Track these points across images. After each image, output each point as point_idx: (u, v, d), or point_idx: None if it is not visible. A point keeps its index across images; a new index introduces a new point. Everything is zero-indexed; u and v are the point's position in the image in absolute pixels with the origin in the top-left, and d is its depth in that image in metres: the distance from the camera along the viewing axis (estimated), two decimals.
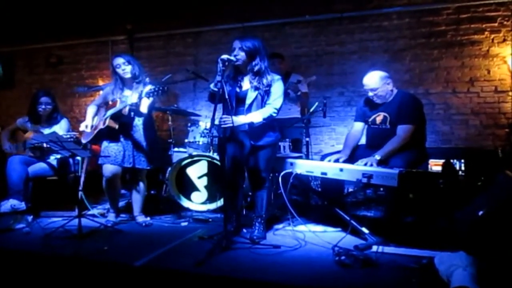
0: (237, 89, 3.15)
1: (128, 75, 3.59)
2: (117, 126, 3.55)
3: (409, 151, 3.20)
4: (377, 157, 3.10)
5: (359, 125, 3.58)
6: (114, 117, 3.54)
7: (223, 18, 5.97)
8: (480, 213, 2.42)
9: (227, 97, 2.97)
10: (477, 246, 2.31)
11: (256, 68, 3.07)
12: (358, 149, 3.54)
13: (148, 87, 3.35)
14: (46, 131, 4.18)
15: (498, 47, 5.02)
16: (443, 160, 4.12)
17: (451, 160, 4.33)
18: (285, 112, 4.36)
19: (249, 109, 3.09)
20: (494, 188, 2.80)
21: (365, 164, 3.05)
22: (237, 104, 3.13)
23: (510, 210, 2.36)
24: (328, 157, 3.41)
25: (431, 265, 2.36)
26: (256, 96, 3.08)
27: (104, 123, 3.54)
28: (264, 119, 3.04)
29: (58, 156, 4.10)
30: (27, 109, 4.33)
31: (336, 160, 3.33)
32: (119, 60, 3.59)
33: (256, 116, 3.04)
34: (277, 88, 3.11)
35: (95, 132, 3.62)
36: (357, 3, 5.48)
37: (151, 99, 3.46)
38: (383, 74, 3.37)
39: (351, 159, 3.37)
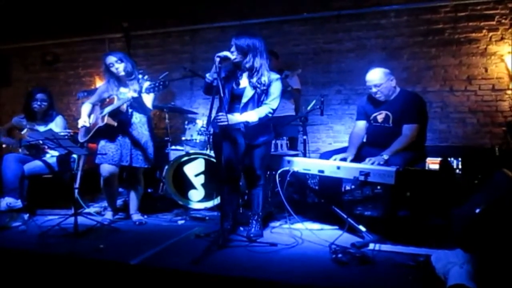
0: (234, 86, 3.13)
1: (122, 73, 3.57)
2: (115, 124, 3.53)
3: (408, 149, 3.18)
4: (385, 156, 3.07)
5: (361, 124, 3.53)
6: (112, 114, 3.51)
7: (220, 15, 5.95)
8: (477, 210, 2.41)
9: (222, 94, 2.94)
10: (474, 244, 2.31)
11: (247, 66, 3.03)
12: (362, 147, 3.49)
13: (147, 83, 3.34)
14: (42, 128, 4.16)
15: (495, 45, 5.02)
16: (440, 158, 4.12)
17: (448, 158, 4.34)
18: (278, 109, 4.35)
19: (245, 108, 3.07)
20: (491, 186, 2.79)
21: (373, 163, 3.02)
22: (232, 100, 3.11)
23: (507, 208, 2.36)
24: (334, 156, 3.33)
25: (428, 263, 2.36)
26: (253, 95, 3.06)
27: (102, 121, 3.51)
28: (259, 119, 3.01)
29: (56, 153, 4.08)
30: (22, 106, 4.30)
31: (344, 159, 3.27)
32: (111, 59, 3.56)
33: (252, 116, 3.01)
34: (276, 88, 3.09)
35: (94, 130, 3.60)
36: (355, 0, 5.48)
37: (151, 94, 3.45)
38: (387, 70, 3.34)
39: (357, 158, 3.33)
